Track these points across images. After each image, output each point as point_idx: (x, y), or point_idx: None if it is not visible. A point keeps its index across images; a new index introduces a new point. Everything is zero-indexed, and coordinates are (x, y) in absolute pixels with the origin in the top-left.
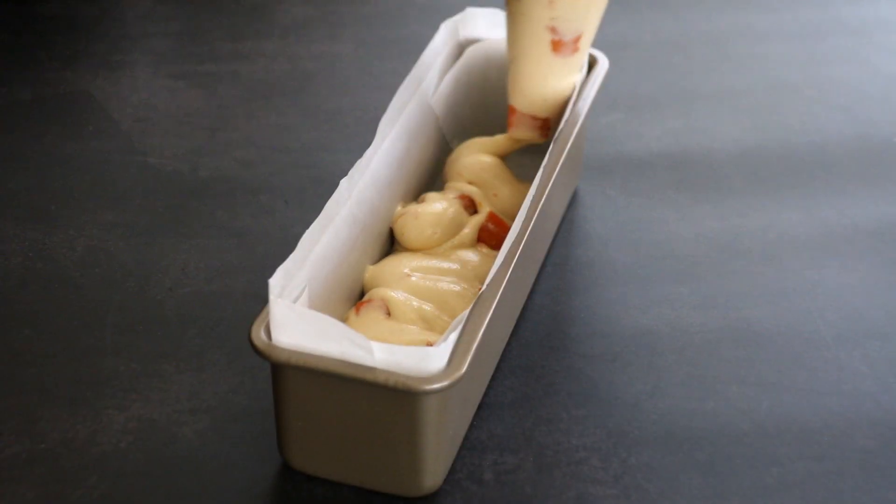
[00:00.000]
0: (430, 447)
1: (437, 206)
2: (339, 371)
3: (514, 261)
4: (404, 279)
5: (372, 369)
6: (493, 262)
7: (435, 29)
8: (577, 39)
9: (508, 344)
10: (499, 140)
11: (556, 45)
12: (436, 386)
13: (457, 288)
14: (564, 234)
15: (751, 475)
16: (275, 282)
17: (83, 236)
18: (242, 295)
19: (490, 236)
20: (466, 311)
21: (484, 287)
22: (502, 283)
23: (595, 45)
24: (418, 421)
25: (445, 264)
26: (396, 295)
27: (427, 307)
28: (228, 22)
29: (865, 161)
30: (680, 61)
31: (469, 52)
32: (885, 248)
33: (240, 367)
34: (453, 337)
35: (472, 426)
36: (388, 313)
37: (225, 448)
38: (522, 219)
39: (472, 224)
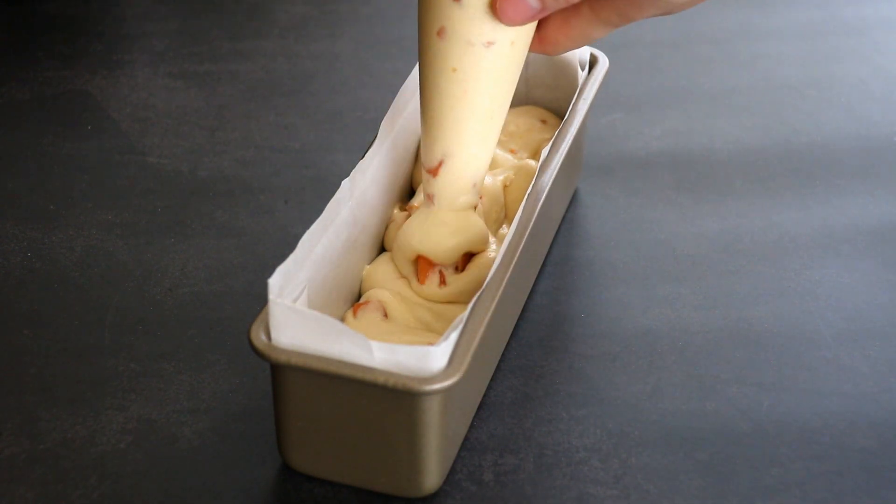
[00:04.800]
0: (430, 447)
1: None
2: (338, 371)
3: (514, 261)
4: (399, 279)
5: (372, 369)
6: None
7: None
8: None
9: (508, 344)
10: None
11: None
12: (436, 386)
13: None
14: (564, 234)
15: (751, 475)
16: (274, 282)
17: (82, 236)
18: (242, 295)
19: None
20: (466, 312)
21: (484, 287)
22: (502, 283)
23: (595, 43)
24: (418, 421)
25: None
26: (393, 296)
27: (424, 308)
28: (228, 21)
29: (866, 161)
30: (680, 61)
31: None
32: (886, 248)
33: (240, 367)
34: (453, 337)
35: (472, 426)
36: (386, 315)
37: (225, 448)
38: (522, 218)
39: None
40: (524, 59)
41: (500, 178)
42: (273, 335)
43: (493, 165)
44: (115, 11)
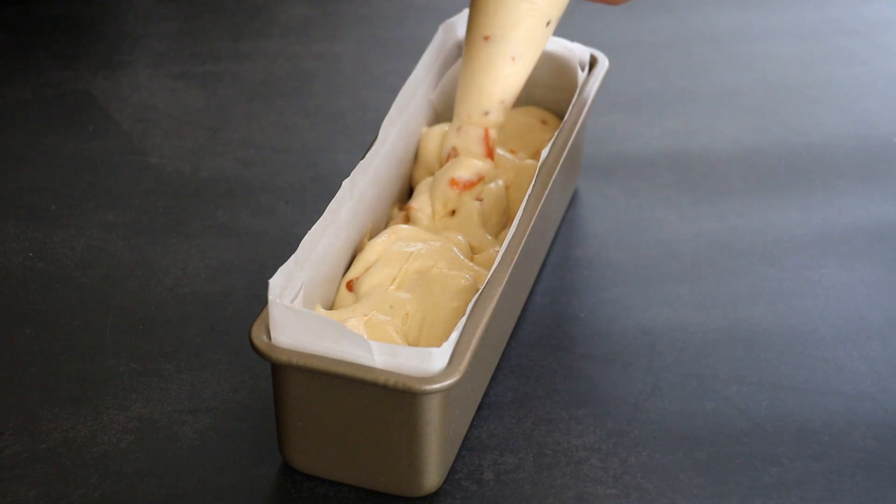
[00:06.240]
0: (430, 447)
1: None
2: (339, 371)
3: (514, 261)
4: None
5: (372, 369)
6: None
7: (434, 29)
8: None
9: (508, 344)
10: None
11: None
12: (436, 386)
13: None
14: (564, 234)
15: (750, 475)
16: (275, 282)
17: (84, 236)
18: (242, 295)
19: None
20: (467, 312)
21: (484, 287)
22: (502, 282)
23: (595, 44)
24: (418, 421)
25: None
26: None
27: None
28: (228, 22)
29: (865, 161)
30: (680, 61)
31: None
32: (885, 248)
33: (240, 367)
34: (454, 337)
35: (472, 426)
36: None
37: (225, 448)
38: (522, 219)
39: None
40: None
41: (501, 182)
42: (273, 335)
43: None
44: (116, 12)
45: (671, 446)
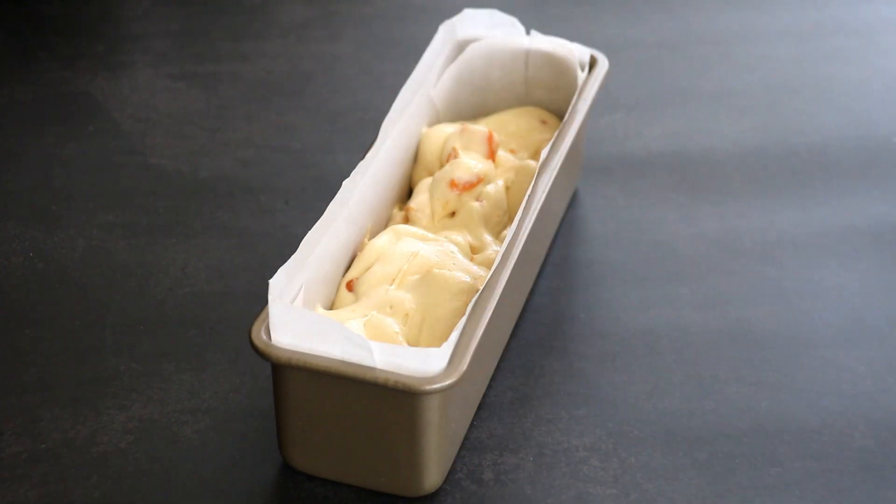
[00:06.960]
0: (430, 447)
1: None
2: (339, 371)
3: (514, 261)
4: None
5: (372, 369)
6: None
7: (434, 29)
8: None
9: (508, 344)
10: None
11: None
12: (436, 386)
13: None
14: (564, 234)
15: (750, 474)
16: (275, 283)
17: (83, 236)
18: (242, 295)
19: None
20: (466, 312)
21: (484, 287)
22: (502, 282)
23: (595, 45)
24: (418, 421)
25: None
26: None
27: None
28: (228, 22)
29: (865, 161)
30: (680, 61)
31: (471, 49)
32: (884, 248)
33: (240, 367)
34: (454, 337)
35: (472, 426)
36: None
37: (225, 448)
38: (522, 219)
39: None
40: None
41: (501, 182)
42: (273, 335)
43: (494, 166)
44: (116, 12)
45: (671, 446)
